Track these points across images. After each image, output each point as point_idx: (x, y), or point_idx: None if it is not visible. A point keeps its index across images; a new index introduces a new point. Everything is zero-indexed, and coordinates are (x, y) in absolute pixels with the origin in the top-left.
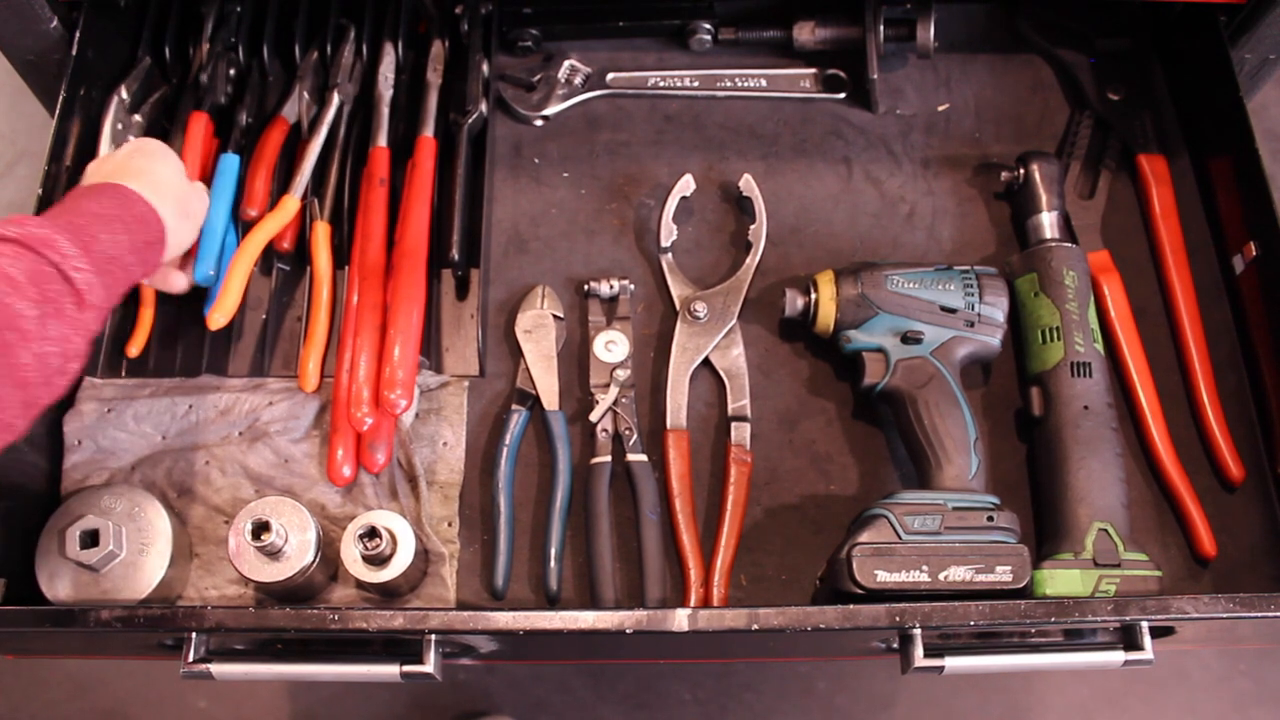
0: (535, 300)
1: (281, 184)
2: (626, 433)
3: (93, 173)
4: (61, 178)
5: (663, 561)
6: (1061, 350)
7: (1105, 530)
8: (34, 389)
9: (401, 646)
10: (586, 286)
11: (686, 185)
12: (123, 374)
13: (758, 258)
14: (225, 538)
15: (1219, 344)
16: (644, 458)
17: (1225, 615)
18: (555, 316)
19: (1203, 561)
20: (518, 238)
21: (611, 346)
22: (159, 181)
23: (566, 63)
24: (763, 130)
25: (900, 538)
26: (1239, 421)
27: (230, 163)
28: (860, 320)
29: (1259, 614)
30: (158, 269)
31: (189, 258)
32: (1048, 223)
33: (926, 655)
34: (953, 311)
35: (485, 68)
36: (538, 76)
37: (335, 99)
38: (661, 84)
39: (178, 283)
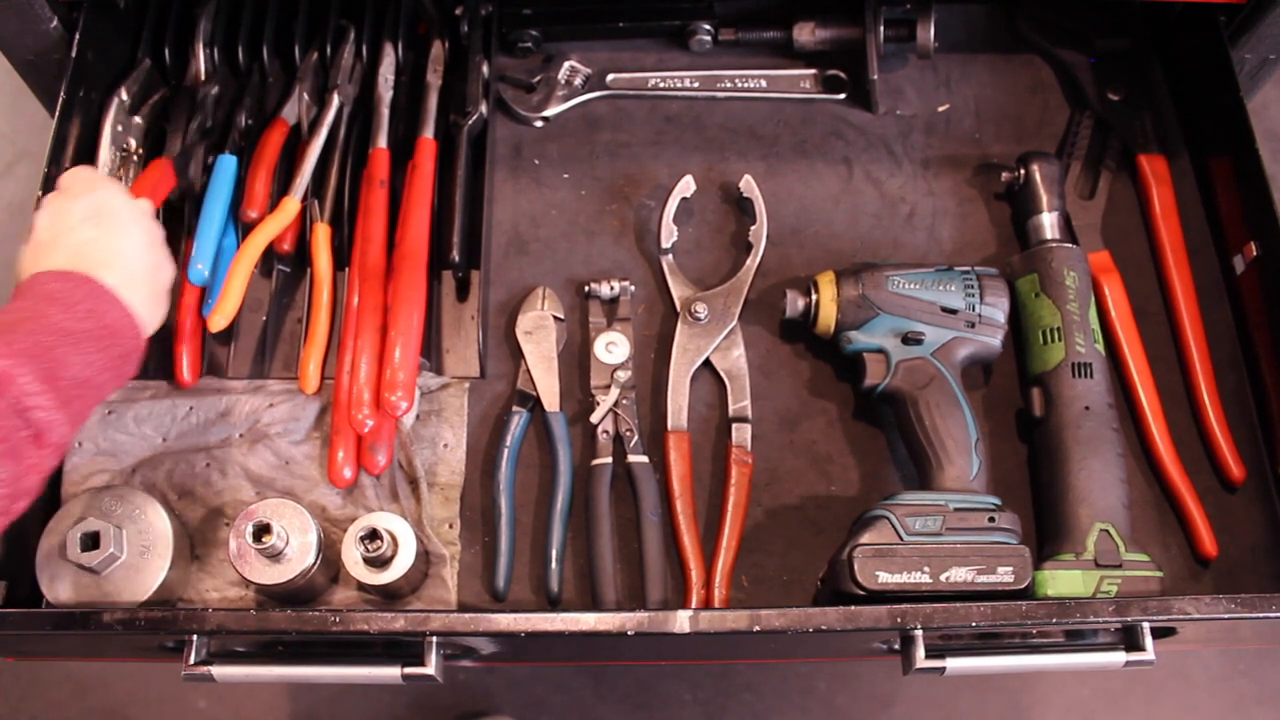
0: (536, 301)
1: (281, 186)
2: (627, 434)
3: (50, 240)
4: None
5: (664, 563)
6: (1062, 351)
7: (1106, 531)
8: None
9: (403, 648)
10: (587, 288)
11: (687, 186)
12: None
13: (758, 259)
14: (226, 540)
15: (1220, 344)
16: (645, 459)
17: (1227, 616)
18: (556, 318)
19: (1204, 562)
20: (518, 239)
21: (612, 348)
22: (130, 265)
23: (566, 64)
24: (763, 131)
25: (901, 539)
26: (1240, 421)
27: (228, 164)
28: (861, 321)
29: (1260, 614)
30: (133, 376)
31: None
32: (1048, 223)
33: (928, 656)
34: (953, 312)
35: (485, 69)
36: (538, 77)
37: (335, 100)
38: (661, 85)
39: None
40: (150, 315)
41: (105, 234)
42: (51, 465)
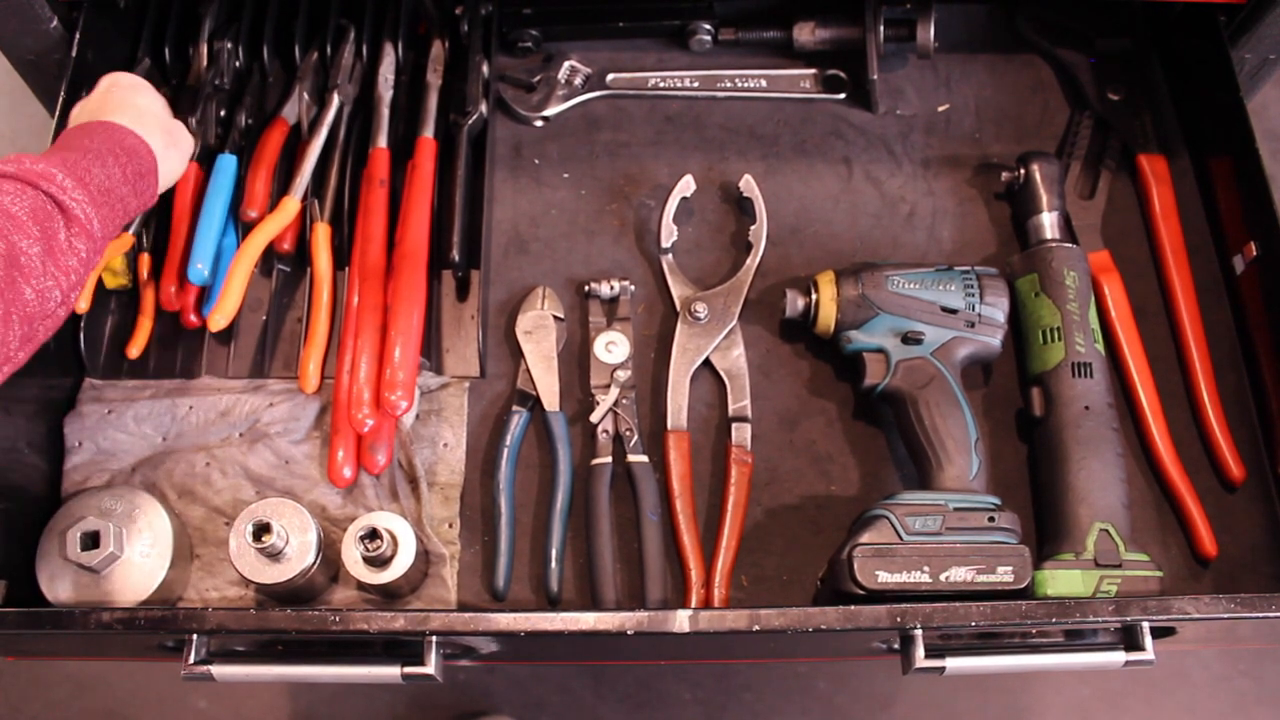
0: (536, 301)
1: (282, 185)
2: (627, 434)
3: (76, 115)
4: None
5: (663, 562)
6: (1062, 350)
7: (1106, 530)
8: (36, 322)
9: (402, 648)
10: (587, 287)
11: (687, 186)
12: (123, 375)
13: (758, 258)
14: (226, 539)
15: (1219, 344)
16: (645, 458)
17: (1226, 616)
18: (556, 317)
19: (1203, 561)
20: (518, 239)
21: (612, 347)
22: (143, 113)
23: (566, 63)
24: (763, 131)
25: (901, 538)
26: (1239, 421)
27: (228, 163)
28: (861, 321)
29: (1260, 614)
30: (154, 200)
31: None
32: (1048, 223)
33: (928, 656)
34: (953, 312)
35: (485, 68)
36: (538, 77)
37: (335, 100)
38: (661, 84)
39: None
40: (165, 154)
41: (120, 94)
42: (94, 262)
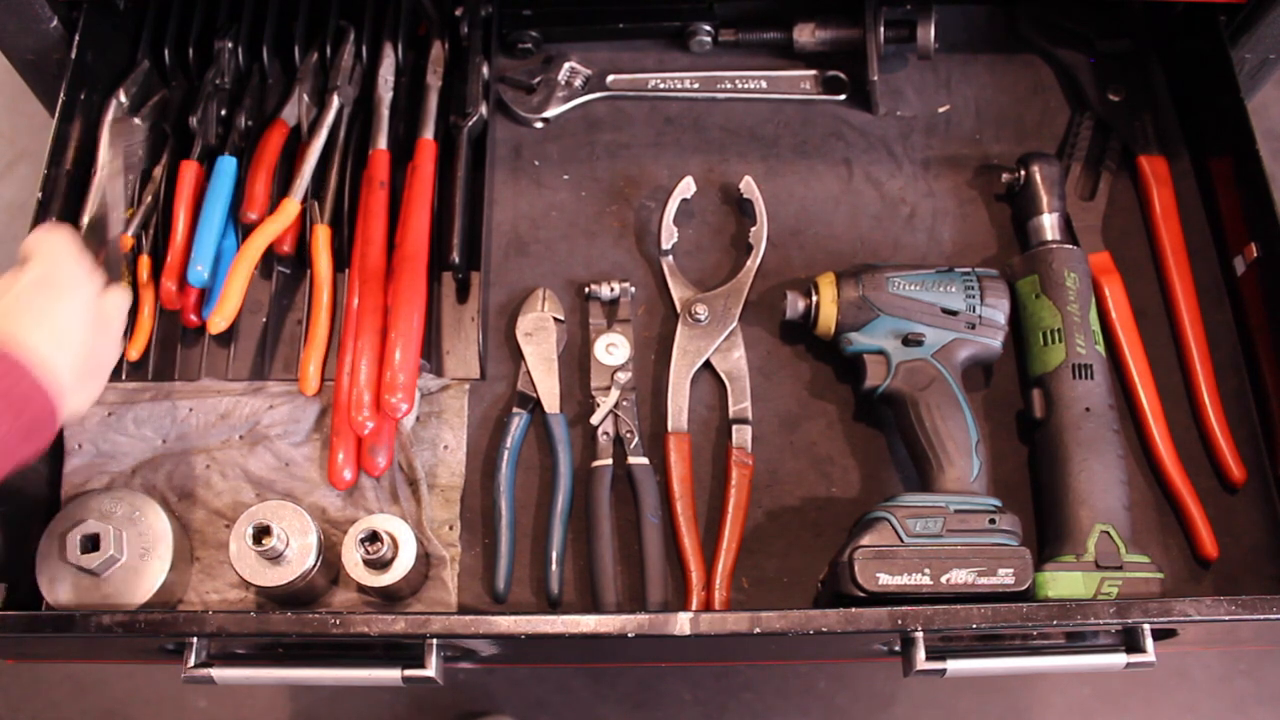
0: (536, 303)
1: (281, 187)
2: (628, 436)
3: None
4: (61, 181)
5: (664, 564)
6: (1063, 352)
7: (1107, 532)
8: None
9: (403, 650)
10: (587, 289)
11: (687, 187)
12: (123, 378)
13: (758, 260)
14: (226, 542)
15: (1220, 345)
16: (645, 461)
17: (1227, 618)
18: (556, 319)
19: (1204, 563)
20: (518, 240)
21: (612, 349)
22: (60, 334)
23: (566, 65)
24: (763, 132)
25: (902, 540)
26: (1240, 423)
27: (228, 165)
28: (861, 322)
29: (1261, 616)
30: (48, 444)
31: None
32: (1049, 224)
33: (928, 658)
34: (954, 314)
35: (485, 70)
36: (538, 78)
37: (335, 101)
38: (662, 86)
39: None
40: (76, 384)
41: (41, 301)
42: None
